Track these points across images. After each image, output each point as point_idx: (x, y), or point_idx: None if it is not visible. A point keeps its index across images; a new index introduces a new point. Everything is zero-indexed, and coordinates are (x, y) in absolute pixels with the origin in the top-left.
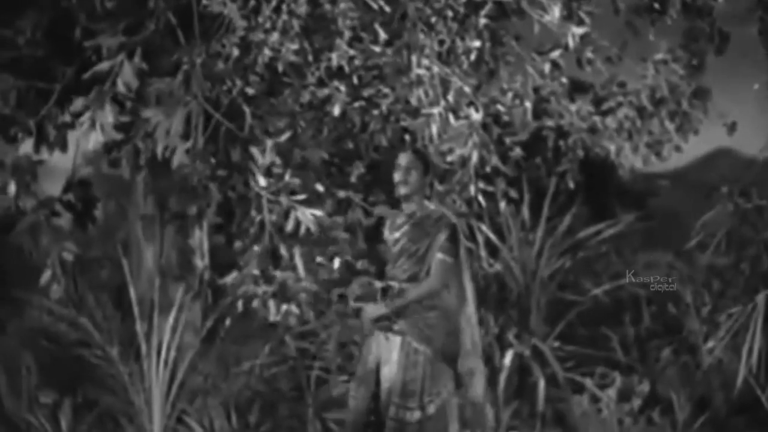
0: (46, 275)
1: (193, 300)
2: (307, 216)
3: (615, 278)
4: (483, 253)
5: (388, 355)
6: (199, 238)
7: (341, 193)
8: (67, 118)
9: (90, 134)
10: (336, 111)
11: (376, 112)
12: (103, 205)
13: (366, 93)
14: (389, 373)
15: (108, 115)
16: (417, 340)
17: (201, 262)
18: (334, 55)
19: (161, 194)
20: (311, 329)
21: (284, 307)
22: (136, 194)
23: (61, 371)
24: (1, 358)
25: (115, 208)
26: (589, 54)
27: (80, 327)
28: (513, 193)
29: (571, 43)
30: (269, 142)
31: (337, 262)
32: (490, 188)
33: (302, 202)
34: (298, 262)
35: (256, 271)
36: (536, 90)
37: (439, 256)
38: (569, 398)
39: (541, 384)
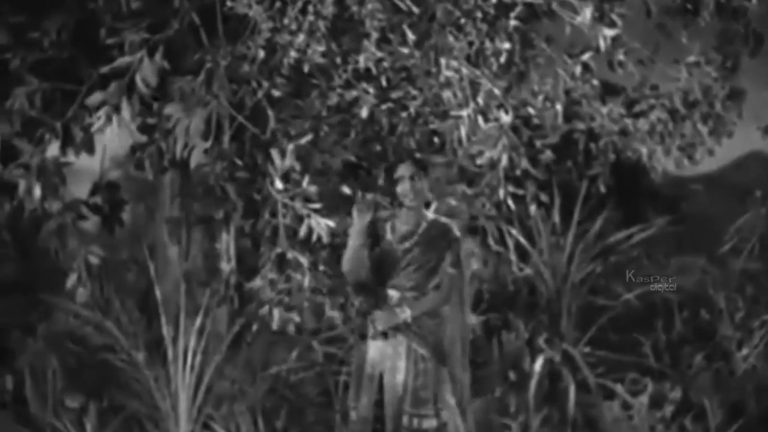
0: (72, 279)
1: (219, 304)
2: (321, 225)
3: (647, 283)
4: (513, 257)
5: (393, 363)
6: (226, 241)
7: (369, 196)
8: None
9: (106, 129)
10: (364, 113)
11: (404, 114)
12: (131, 208)
13: (394, 95)
14: (395, 381)
15: (125, 112)
16: (424, 348)
17: (227, 266)
18: (361, 57)
19: (187, 197)
20: (339, 334)
21: (285, 315)
22: (162, 196)
23: (87, 375)
24: (28, 362)
25: (142, 211)
26: (620, 56)
27: (106, 331)
28: (543, 197)
29: (602, 45)
30: (290, 146)
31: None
32: (520, 192)
33: (317, 211)
34: (306, 270)
35: (273, 276)
36: (567, 92)
37: (450, 270)
38: (600, 404)
39: (572, 390)
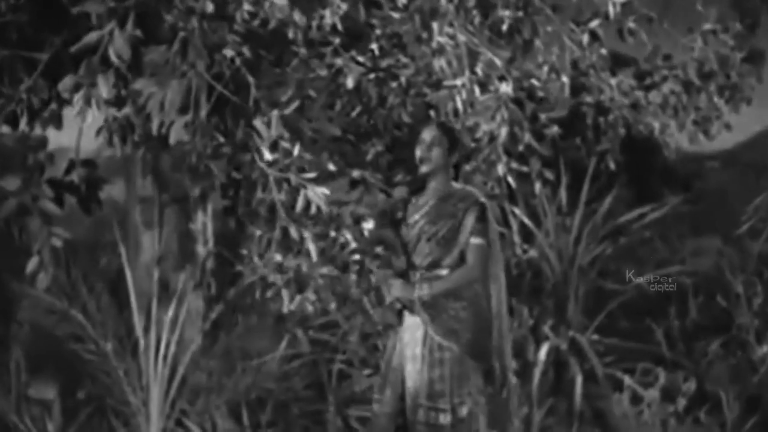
0: (33, 263)
1: (195, 290)
2: (318, 194)
3: (660, 266)
4: (517, 238)
5: (412, 351)
6: (203, 222)
7: (355, 173)
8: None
9: (87, 113)
10: (349, 83)
11: (394, 84)
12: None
13: (384, 63)
14: (413, 371)
15: (102, 90)
16: (442, 335)
17: (204, 249)
18: (327, 12)
19: (161, 175)
20: (332, 320)
21: (299, 296)
22: (134, 174)
23: (52, 367)
24: None
25: (115, 191)
26: (631, 24)
27: (72, 319)
28: (549, 174)
29: (611, 11)
30: (275, 114)
31: (351, 241)
32: (524, 169)
33: (312, 180)
34: (311, 245)
35: (278, 258)
36: (574, 63)
37: (476, 240)
38: (609, 396)
39: (579, 380)
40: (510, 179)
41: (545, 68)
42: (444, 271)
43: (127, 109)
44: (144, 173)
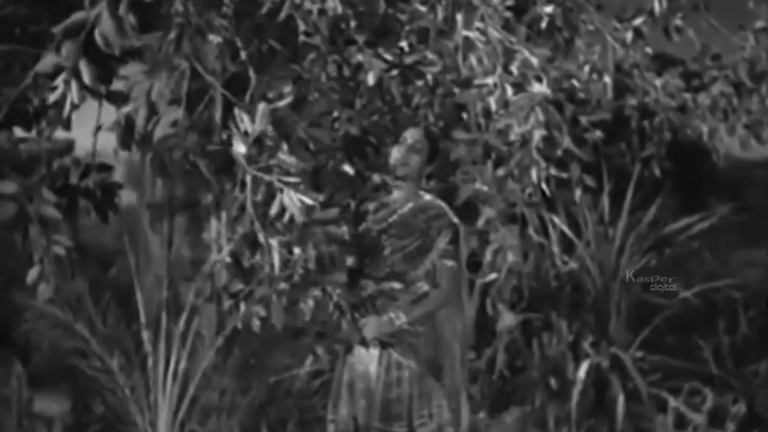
0: (33, 273)
1: (207, 302)
2: (294, 201)
3: (708, 279)
4: (556, 249)
5: (364, 367)
6: (216, 229)
7: (376, 178)
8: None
9: (66, 100)
10: (370, 80)
11: (420, 82)
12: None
13: (408, 60)
14: (366, 390)
15: (84, 75)
16: (399, 352)
17: (218, 258)
18: None
19: (171, 178)
20: None
21: (250, 308)
22: (143, 178)
23: (57, 383)
24: None
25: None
26: (677, 21)
27: (76, 333)
28: (590, 181)
29: (657, 8)
30: (261, 106)
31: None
32: (564, 175)
33: (292, 185)
34: (275, 255)
35: (227, 259)
36: (617, 63)
37: (447, 263)
38: (653, 417)
39: (621, 400)
40: (545, 186)
41: (586, 68)
42: (397, 285)
43: (130, 107)
44: (153, 177)
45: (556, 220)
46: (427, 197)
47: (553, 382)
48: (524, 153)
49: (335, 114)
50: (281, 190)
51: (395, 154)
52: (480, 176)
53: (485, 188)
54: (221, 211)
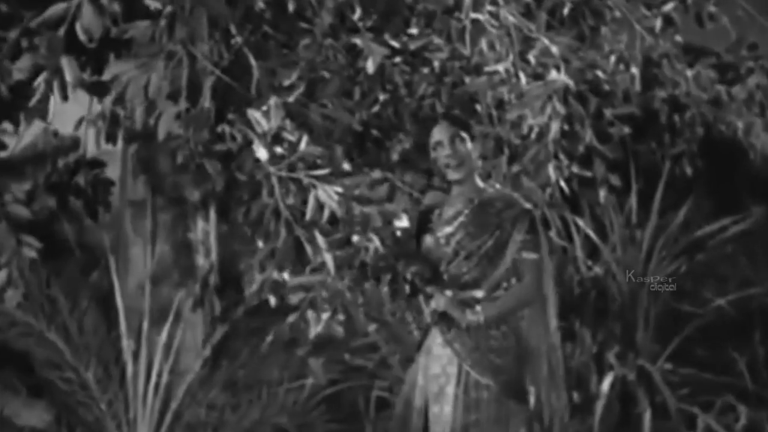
0: (1, 276)
1: (194, 310)
2: (331, 195)
3: (743, 286)
4: (579, 253)
5: (439, 388)
6: (204, 230)
7: (377, 174)
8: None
9: (49, 101)
10: (369, 67)
11: (426, 70)
12: None
13: (412, 45)
14: (442, 414)
15: (67, 74)
16: (480, 371)
17: (206, 262)
18: None
19: (155, 175)
20: (370, 342)
21: (324, 316)
22: (125, 174)
23: (27, 398)
24: None
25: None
26: (711, 8)
27: (49, 342)
28: (615, 180)
29: None
30: (273, 101)
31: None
32: (587, 173)
33: (324, 178)
34: (327, 256)
35: (280, 276)
36: (646, 54)
37: (530, 255)
38: None
39: (647, 416)
40: (563, 184)
41: (612, 58)
42: (477, 294)
43: (109, 99)
44: (135, 173)
45: (580, 222)
46: (491, 189)
47: (575, 395)
48: (540, 147)
49: (329, 105)
50: (314, 186)
51: (441, 159)
52: (493, 173)
53: (498, 186)
54: (210, 210)
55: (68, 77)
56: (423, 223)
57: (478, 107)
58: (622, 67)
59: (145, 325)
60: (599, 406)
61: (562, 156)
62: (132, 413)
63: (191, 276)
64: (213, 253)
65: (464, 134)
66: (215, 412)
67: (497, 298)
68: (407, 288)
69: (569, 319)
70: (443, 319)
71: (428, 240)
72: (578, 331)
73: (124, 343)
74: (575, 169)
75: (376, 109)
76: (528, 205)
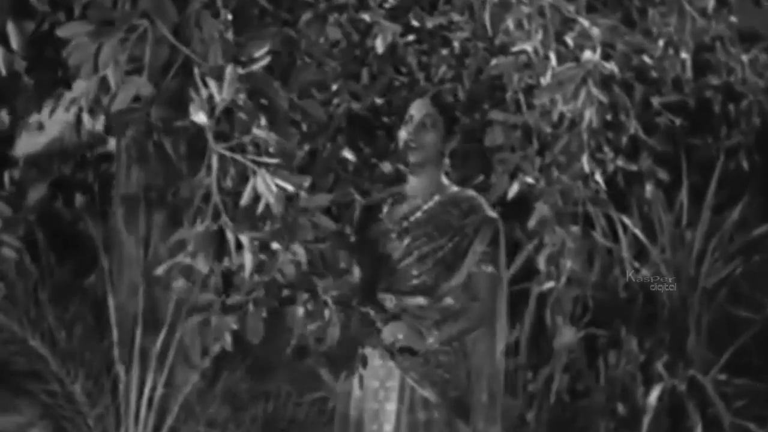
0: None
1: (191, 315)
2: (270, 187)
3: None
4: (626, 254)
5: (379, 404)
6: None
7: (387, 166)
8: None
9: None
10: (379, 46)
11: (445, 51)
12: None
13: (430, 23)
14: None
15: (13, 40)
16: (429, 387)
17: (204, 263)
18: None
19: (149, 166)
20: None
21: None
22: (117, 166)
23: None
24: None
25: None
26: None
27: (33, 351)
28: (663, 174)
29: None
30: (229, 69)
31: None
32: (633, 167)
33: (268, 167)
34: (247, 255)
35: (189, 260)
36: (697, 37)
37: (487, 269)
38: None
39: (699, 430)
40: (598, 177)
41: (660, 42)
42: (422, 301)
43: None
44: (127, 164)
45: (627, 220)
46: (456, 188)
47: (620, 408)
48: (572, 137)
49: (334, 87)
50: (254, 173)
51: (403, 135)
52: (524, 166)
53: (530, 180)
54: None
55: (14, 45)
56: (369, 218)
57: (509, 95)
58: (671, 51)
59: (138, 332)
60: (646, 421)
61: (606, 149)
62: (124, 430)
63: (188, 278)
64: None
65: (440, 120)
66: (215, 429)
67: (445, 308)
68: (326, 312)
69: (614, 326)
70: (403, 351)
71: (375, 230)
72: (624, 339)
73: (116, 352)
74: (620, 162)
75: (386, 93)
76: (493, 213)
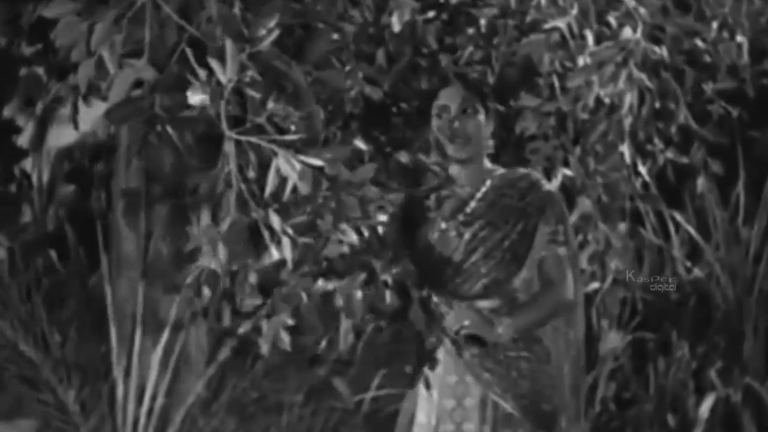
0: None
1: (195, 319)
2: (294, 166)
3: None
4: (678, 253)
5: (456, 427)
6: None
7: (403, 158)
8: None
9: None
10: (395, 24)
11: (471, 30)
12: None
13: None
14: None
15: None
16: (511, 398)
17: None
18: None
19: (151, 158)
20: None
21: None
22: (117, 158)
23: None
24: None
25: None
26: None
27: (23, 356)
28: (716, 167)
29: None
30: (229, 44)
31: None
32: (683, 159)
33: (286, 145)
34: (286, 246)
35: (215, 264)
36: (755, 19)
37: (559, 250)
38: None
39: None
40: (642, 169)
41: (714, 24)
42: (492, 304)
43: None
44: (128, 156)
45: (678, 217)
46: (502, 169)
47: (670, 419)
48: (610, 124)
49: (347, 69)
50: (275, 153)
51: (439, 127)
52: (559, 156)
53: (567, 172)
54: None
55: None
56: (415, 211)
57: (542, 81)
58: (725, 34)
59: (138, 337)
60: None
61: (656, 140)
62: None
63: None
64: (221, 250)
65: (478, 105)
66: None
67: (520, 307)
68: (387, 295)
69: (664, 330)
70: (469, 341)
71: (428, 232)
72: (674, 344)
73: (114, 359)
74: (670, 154)
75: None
76: (552, 188)
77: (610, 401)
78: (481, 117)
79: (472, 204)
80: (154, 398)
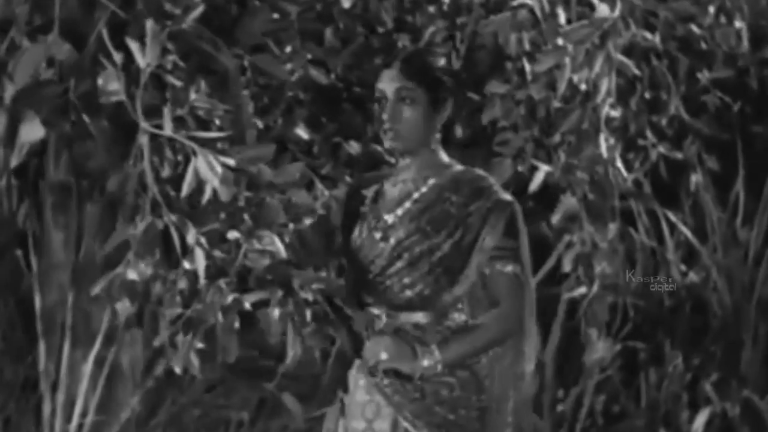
0: None
1: (130, 328)
2: (215, 168)
3: None
4: (672, 256)
5: None
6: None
7: (353, 148)
8: None
9: None
10: (345, 1)
11: (432, 8)
12: None
13: None
14: None
15: None
16: (424, 426)
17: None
18: None
19: (81, 150)
20: None
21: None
22: (47, 147)
23: None
24: None
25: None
26: None
27: None
28: (712, 163)
29: None
30: (149, 24)
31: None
32: (677, 155)
33: (209, 143)
34: (199, 254)
35: (134, 275)
36: (755, 3)
37: (507, 268)
38: None
39: None
40: (619, 164)
41: (711, 8)
42: (421, 318)
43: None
44: (57, 149)
45: (672, 217)
46: (460, 167)
47: None
48: (584, 113)
49: (288, 49)
50: (194, 153)
51: (380, 115)
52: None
53: (544, 167)
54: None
55: None
56: (353, 208)
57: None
58: (723, 19)
59: (66, 346)
60: None
61: (649, 134)
62: None
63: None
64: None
65: (420, 91)
66: None
67: (456, 329)
68: (308, 313)
69: (656, 339)
70: (388, 375)
71: (357, 234)
72: (667, 354)
73: (42, 370)
74: (662, 149)
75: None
76: (506, 196)
77: (598, 415)
78: (420, 107)
79: (407, 204)
80: (84, 414)
